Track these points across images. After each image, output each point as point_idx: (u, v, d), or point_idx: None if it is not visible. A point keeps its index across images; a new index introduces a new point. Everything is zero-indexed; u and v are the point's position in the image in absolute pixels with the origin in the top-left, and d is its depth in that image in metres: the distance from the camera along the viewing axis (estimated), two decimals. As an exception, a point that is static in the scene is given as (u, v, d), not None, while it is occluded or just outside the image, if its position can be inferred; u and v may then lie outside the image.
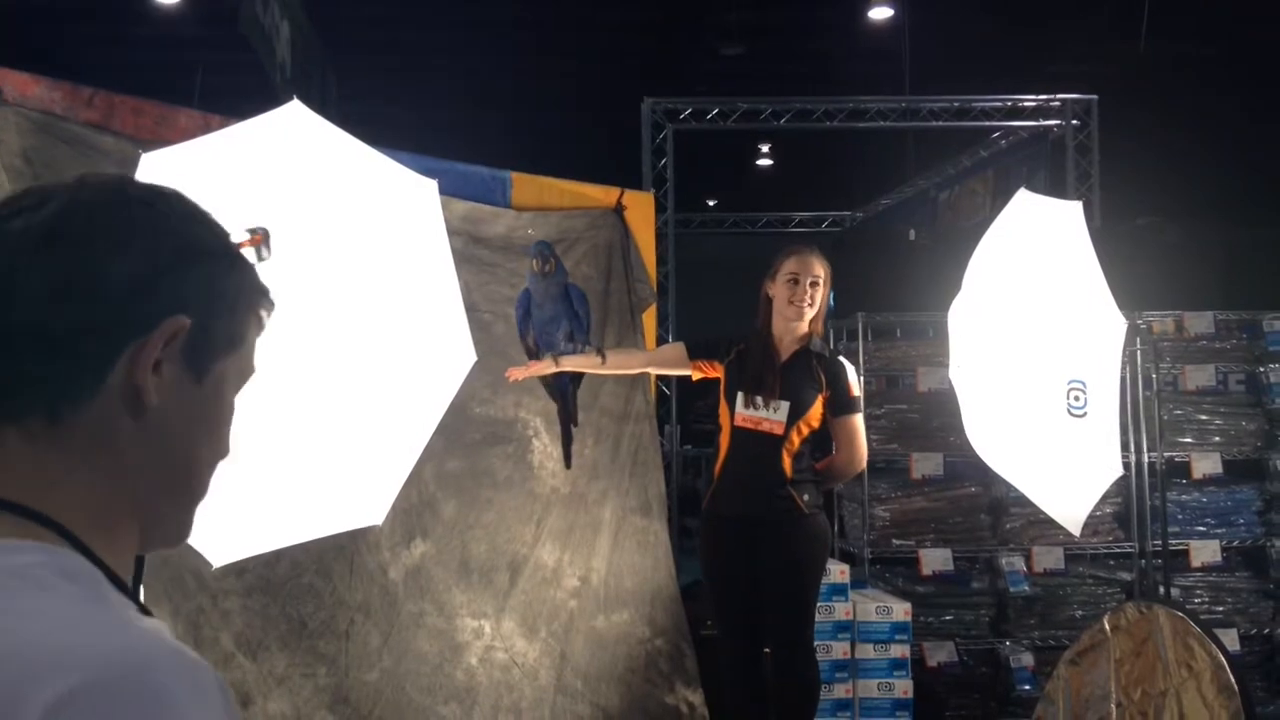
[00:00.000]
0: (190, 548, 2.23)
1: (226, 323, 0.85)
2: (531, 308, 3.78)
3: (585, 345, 3.80)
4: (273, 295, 0.91)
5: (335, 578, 3.96)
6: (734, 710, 3.88)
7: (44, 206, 0.80)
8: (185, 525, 0.88)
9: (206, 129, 3.22)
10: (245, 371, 0.89)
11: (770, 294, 3.80)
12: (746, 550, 3.70)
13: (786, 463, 3.70)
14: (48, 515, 0.75)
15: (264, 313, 0.90)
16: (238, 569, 3.44)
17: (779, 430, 3.70)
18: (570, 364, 3.79)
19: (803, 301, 3.72)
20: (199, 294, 0.83)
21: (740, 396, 3.72)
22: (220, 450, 0.88)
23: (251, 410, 2.36)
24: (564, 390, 3.96)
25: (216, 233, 0.87)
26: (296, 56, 6.67)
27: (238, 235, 0.91)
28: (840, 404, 3.79)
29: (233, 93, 5.44)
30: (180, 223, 0.85)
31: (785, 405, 3.71)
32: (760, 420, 3.71)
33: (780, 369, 3.75)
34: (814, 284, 3.74)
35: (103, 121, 3.40)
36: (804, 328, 3.78)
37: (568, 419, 3.98)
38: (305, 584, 3.90)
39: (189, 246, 0.83)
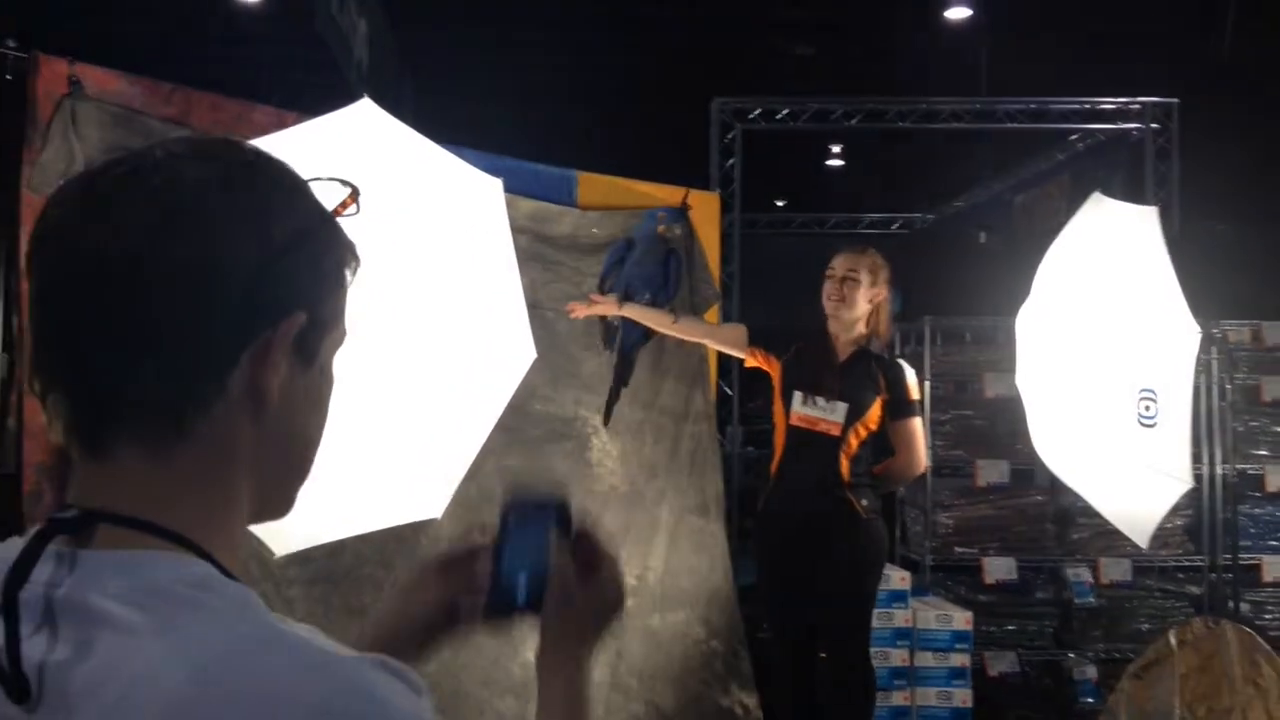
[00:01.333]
0: (254, 535, 2.28)
1: (331, 301, 0.81)
2: (628, 258, 3.77)
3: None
4: (357, 250, 0.85)
5: (397, 569, 4.01)
6: (785, 714, 3.86)
7: (152, 178, 0.74)
8: (292, 500, 0.85)
9: (281, 126, 3.27)
10: (341, 338, 0.84)
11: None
12: (803, 551, 3.68)
13: (844, 465, 3.68)
14: (168, 529, 0.72)
15: (351, 272, 0.84)
16: (301, 558, 3.50)
17: (836, 431, 3.68)
18: (633, 312, 3.84)
19: (832, 296, 3.71)
20: (310, 277, 0.78)
21: (797, 395, 3.70)
22: (325, 421, 0.84)
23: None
24: (628, 349, 3.93)
25: (317, 204, 0.82)
26: (374, 54, 6.77)
27: (326, 194, 0.87)
28: (899, 407, 3.75)
29: (310, 90, 5.54)
30: (289, 197, 0.79)
31: (843, 406, 3.68)
32: (817, 420, 3.68)
33: (839, 369, 3.73)
34: (847, 280, 3.71)
35: (181, 117, 3.47)
36: (860, 328, 3.75)
37: (620, 378, 3.94)
38: (367, 574, 3.95)
39: (298, 226, 0.78)
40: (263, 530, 2.29)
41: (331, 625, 4.08)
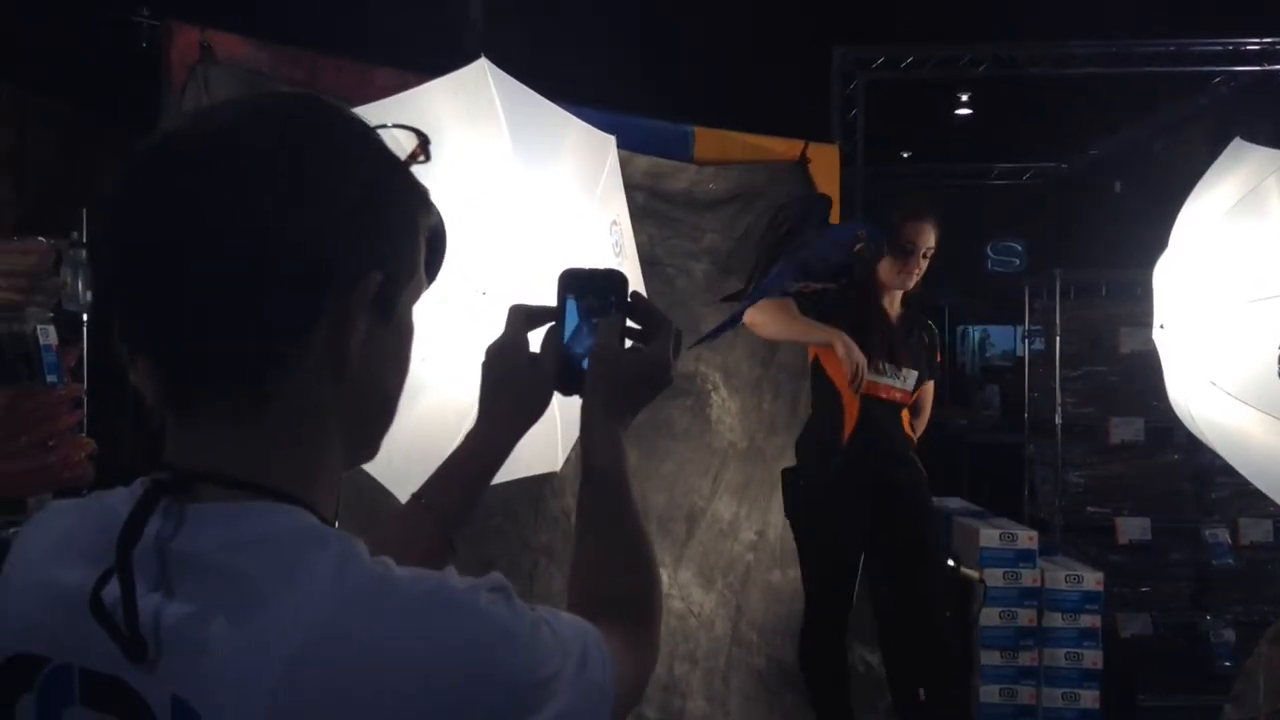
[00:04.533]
0: (384, 489, 2.35)
1: (406, 256, 0.81)
2: (796, 270, 3.71)
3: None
4: (429, 196, 0.85)
5: (521, 521, 4.09)
6: (819, 687, 3.78)
7: (218, 143, 0.75)
8: (377, 447, 0.86)
9: (404, 86, 3.31)
10: (419, 289, 0.85)
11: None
12: (874, 520, 3.65)
13: (908, 429, 3.72)
14: (264, 485, 0.74)
15: (425, 219, 0.84)
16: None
17: (906, 399, 3.69)
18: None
19: (913, 272, 3.64)
20: (383, 233, 0.79)
21: (873, 364, 3.60)
22: (407, 368, 0.85)
23: (441, 364, 2.46)
24: (757, 296, 3.73)
25: (387, 156, 0.82)
26: (489, 11, 6.81)
27: (394, 141, 0.87)
28: (932, 369, 3.80)
29: (431, 49, 5.60)
30: (357, 153, 0.79)
31: (913, 374, 3.70)
32: (891, 388, 3.66)
33: (899, 334, 3.71)
34: (926, 256, 3.65)
35: (307, 81, 3.56)
36: (900, 293, 3.74)
37: (738, 315, 3.70)
38: (494, 526, 4.04)
39: (367, 182, 0.78)
40: (389, 479, 2.35)
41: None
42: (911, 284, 3.69)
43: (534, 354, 1.13)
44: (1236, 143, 3.50)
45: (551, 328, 1.12)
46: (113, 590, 0.69)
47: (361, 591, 0.70)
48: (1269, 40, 6.39)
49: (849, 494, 3.63)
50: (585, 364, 1.09)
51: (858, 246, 3.67)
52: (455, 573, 0.76)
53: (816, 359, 3.73)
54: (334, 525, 0.76)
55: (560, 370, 1.11)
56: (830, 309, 3.64)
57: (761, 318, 3.62)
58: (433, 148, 0.89)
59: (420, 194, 0.84)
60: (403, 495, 2.80)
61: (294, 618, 0.67)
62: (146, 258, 0.73)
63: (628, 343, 1.11)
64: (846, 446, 3.64)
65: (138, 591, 0.69)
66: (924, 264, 3.68)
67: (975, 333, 13.04)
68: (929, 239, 3.65)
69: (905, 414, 3.73)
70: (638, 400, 1.10)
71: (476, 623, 0.72)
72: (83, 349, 3.20)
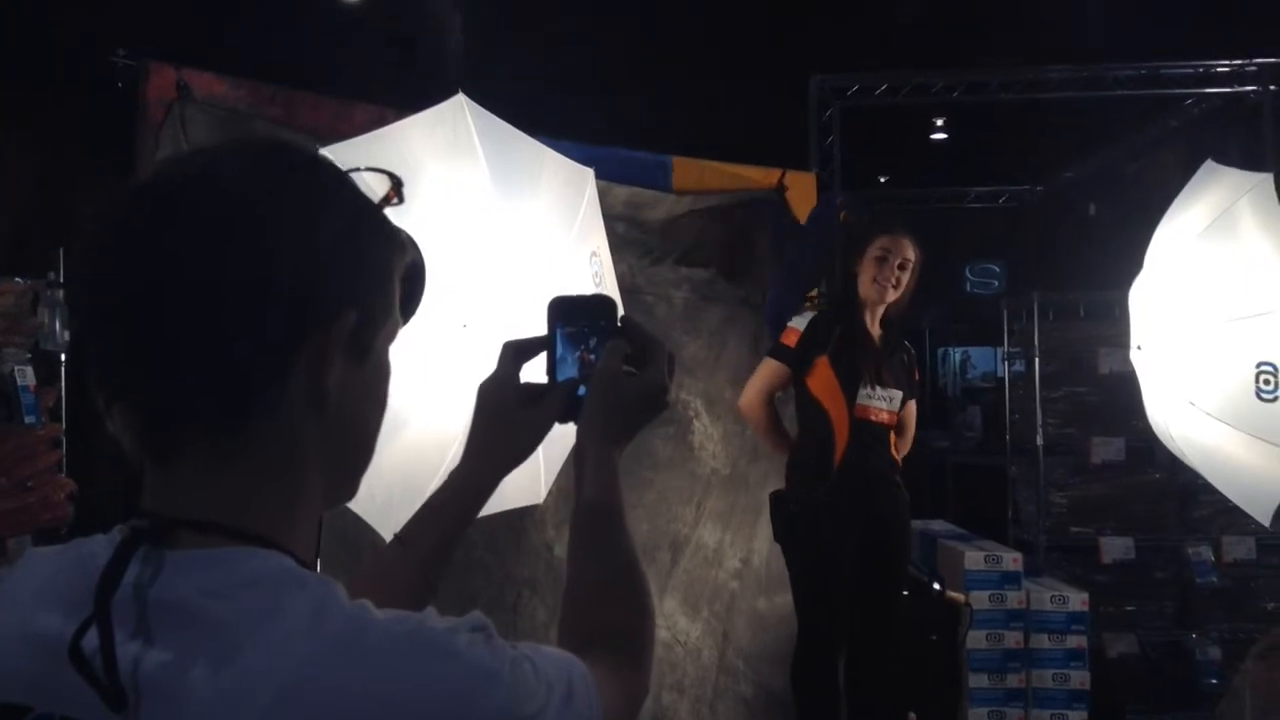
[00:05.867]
0: (366, 524, 2.34)
1: (382, 296, 0.82)
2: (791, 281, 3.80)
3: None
4: (405, 239, 0.86)
5: (503, 553, 4.07)
6: (811, 711, 3.75)
7: (195, 190, 0.75)
8: (357, 486, 0.87)
9: (382, 122, 3.33)
10: (395, 329, 0.85)
11: (855, 271, 3.70)
12: (862, 545, 3.64)
13: (894, 451, 3.71)
14: (243, 529, 0.74)
15: (400, 260, 0.85)
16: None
17: (891, 419, 3.68)
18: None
19: (888, 281, 3.62)
20: (358, 275, 0.79)
21: (862, 387, 3.62)
22: (384, 407, 0.86)
23: (427, 400, 2.45)
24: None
25: (362, 200, 0.83)
26: (468, 47, 6.86)
27: (366, 185, 0.87)
28: (913, 389, 3.79)
29: (409, 86, 5.63)
30: (332, 197, 0.80)
31: (899, 394, 3.69)
32: (879, 410, 3.66)
33: (883, 355, 3.70)
34: (903, 266, 3.64)
35: (285, 118, 3.56)
36: (881, 310, 3.71)
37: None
38: (475, 559, 4.02)
39: (343, 225, 0.79)
40: (372, 516, 2.34)
41: (443, 611, 4.17)
42: (890, 296, 3.67)
43: (526, 387, 1.13)
44: (1208, 165, 3.54)
45: (546, 357, 1.12)
46: (93, 638, 0.69)
47: (340, 636, 0.70)
48: (1238, 62, 6.47)
49: (841, 517, 3.62)
50: (581, 390, 1.09)
51: (842, 214, 3.71)
52: (435, 613, 0.76)
53: (803, 382, 3.71)
54: (314, 567, 0.76)
55: (559, 398, 1.11)
56: (820, 335, 3.66)
57: (746, 410, 3.87)
58: (412, 183, 0.90)
59: (394, 235, 0.85)
60: (385, 531, 2.80)
61: (272, 664, 0.67)
62: (124, 304, 0.74)
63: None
64: (838, 469, 3.63)
65: (117, 639, 0.69)
66: (902, 276, 3.66)
67: (956, 354, 13.09)
68: (903, 249, 3.66)
69: (892, 435, 3.73)
70: (635, 425, 1.10)
71: (456, 665, 0.72)
72: (61, 389, 3.18)
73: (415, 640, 0.72)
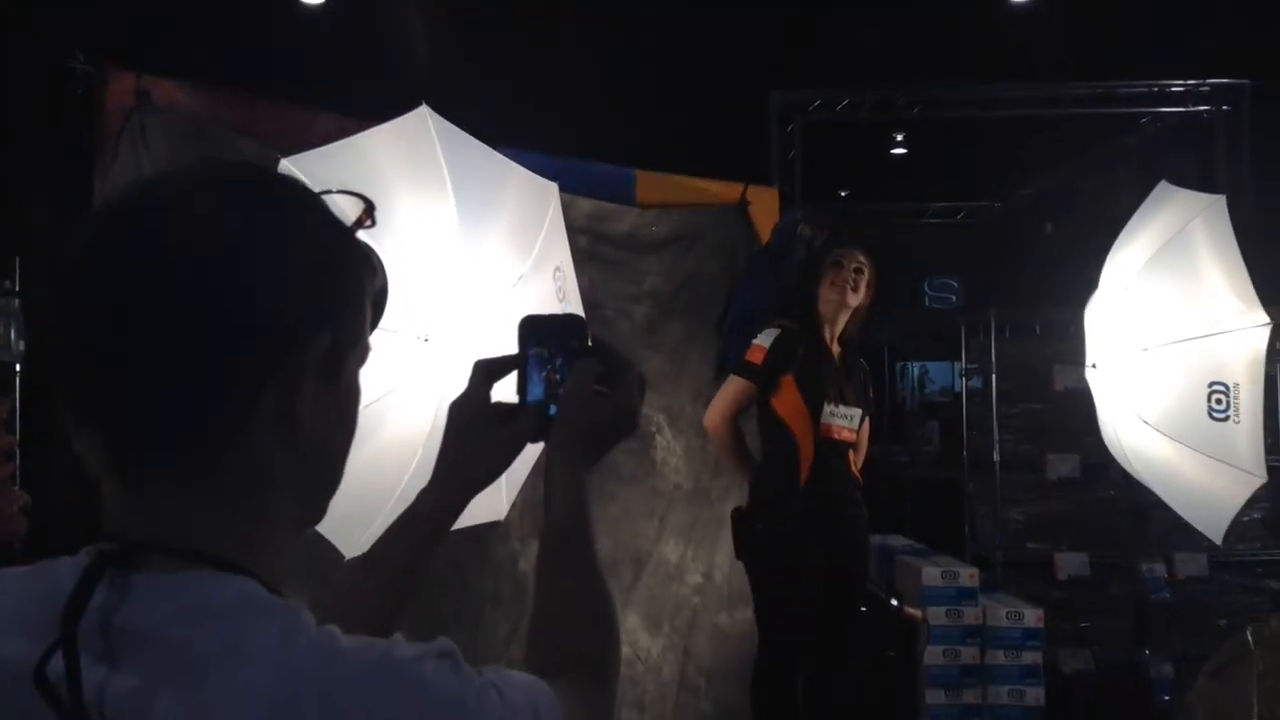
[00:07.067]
0: (326, 540, 2.31)
1: (353, 320, 0.81)
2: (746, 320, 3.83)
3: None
4: (376, 262, 0.85)
5: (467, 569, 4.05)
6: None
7: (165, 213, 0.75)
8: (325, 510, 0.86)
9: (345, 132, 3.31)
10: (365, 353, 0.85)
11: (814, 289, 3.72)
12: (824, 563, 3.64)
13: (854, 469, 3.73)
14: (210, 553, 0.73)
15: (371, 284, 0.84)
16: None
17: (852, 437, 3.71)
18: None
19: (845, 283, 3.65)
20: (329, 299, 0.79)
21: (826, 404, 3.63)
22: (354, 429, 0.85)
23: (386, 413, 2.43)
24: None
25: (333, 223, 0.82)
26: (434, 58, 6.84)
27: (338, 208, 0.86)
28: (869, 405, 3.81)
29: (373, 96, 5.59)
30: (303, 220, 0.79)
31: (858, 412, 3.70)
32: (842, 428, 3.67)
33: (844, 372, 3.72)
34: (859, 270, 3.67)
35: (246, 127, 3.52)
36: (841, 323, 3.73)
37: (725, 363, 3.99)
38: (440, 575, 3.99)
39: (314, 249, 0.78)
40: (334, 534, 2.32)
41: (402, 626, 4.13)
42: (851, 300, 3.68)
43: (497, 406, 1.12)
44: (1162, 186, 3.60)
45: (517, 377, 1.11)
46: (58, 664, 0.68)
47: (307, 664, 0.69)
48: (1193, 82, 6.59)
49: (805, 535, 3.61)
50: (552, 410, 1.09)
51: (800, 227, 3.73)
52: (402, 639, 0.76)
53: (768, 401, 3.70)
54: (281, 592, 0.75)
55: (529, 418, 1.11)
56: (784, 353, 3.66)
57: (712, 428, 3.81)
58: (374, 196, 0.89)
59: (367, 259, 0.84)
60: (345, 546, 2.78)
61: (239, 692, 0.67)
62: (93, 330, 0.73)
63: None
64: (804, 488, 3.62)
65: (83, 664, 0.68)
66: (859, 279, 3.68)
67: (914, 369, 13.18)
68: (855, 257, 3.69)
69: (852, 453, 3.75)
70: (604, 446, 1.09)
71: (422, 693, 0.72)
72: (15, 400, 3.13)
73: (382, 668, 0.71)
